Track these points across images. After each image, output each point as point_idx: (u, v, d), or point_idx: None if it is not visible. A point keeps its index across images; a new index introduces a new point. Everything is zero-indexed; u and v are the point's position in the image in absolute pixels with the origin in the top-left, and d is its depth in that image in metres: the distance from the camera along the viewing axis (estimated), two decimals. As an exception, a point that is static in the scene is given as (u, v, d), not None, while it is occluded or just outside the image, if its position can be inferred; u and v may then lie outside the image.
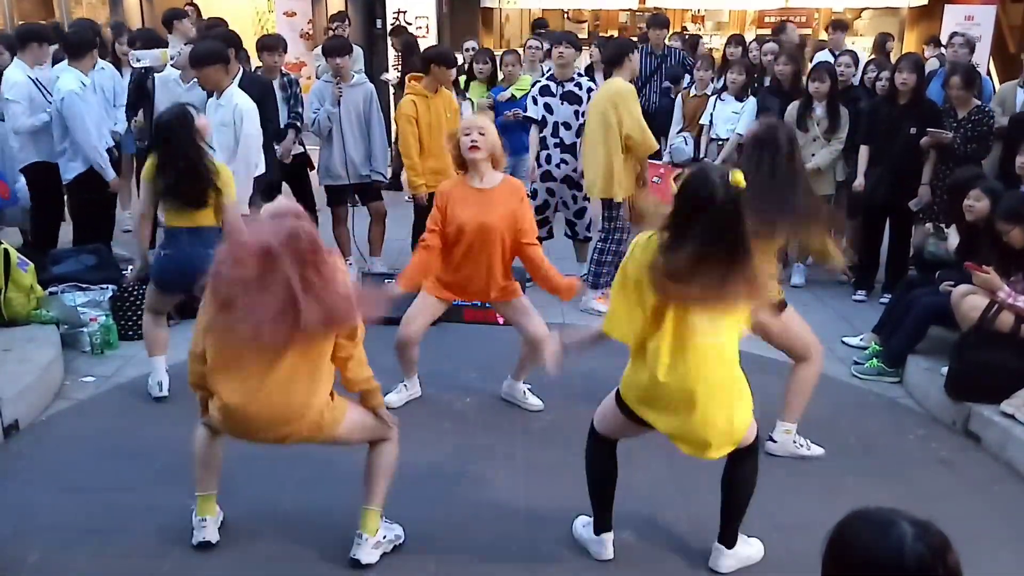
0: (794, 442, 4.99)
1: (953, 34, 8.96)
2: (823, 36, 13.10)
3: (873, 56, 10.02)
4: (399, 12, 13.41)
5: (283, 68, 8.15)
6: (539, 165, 7.70)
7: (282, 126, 7.76)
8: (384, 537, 3.96)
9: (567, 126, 7.54)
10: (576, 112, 7.50)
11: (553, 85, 7.65)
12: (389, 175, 8.66)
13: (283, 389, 3.49)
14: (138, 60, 7.38)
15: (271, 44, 7.97)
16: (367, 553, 3.89)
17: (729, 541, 3.93)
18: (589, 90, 7.56)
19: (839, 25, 10.62)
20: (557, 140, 7.60)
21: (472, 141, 5.00)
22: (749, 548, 4.01)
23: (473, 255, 5.13)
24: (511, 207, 5.09)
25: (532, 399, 5.53)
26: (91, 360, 6.11)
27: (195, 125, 4.99)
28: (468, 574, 3.95)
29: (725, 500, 3.89)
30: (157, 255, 5.33)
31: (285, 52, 8.13)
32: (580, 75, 7.93)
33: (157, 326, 5.55)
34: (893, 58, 9.23)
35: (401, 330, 5.35)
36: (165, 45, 7.91)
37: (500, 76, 8.82)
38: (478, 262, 5.15)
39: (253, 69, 8.18)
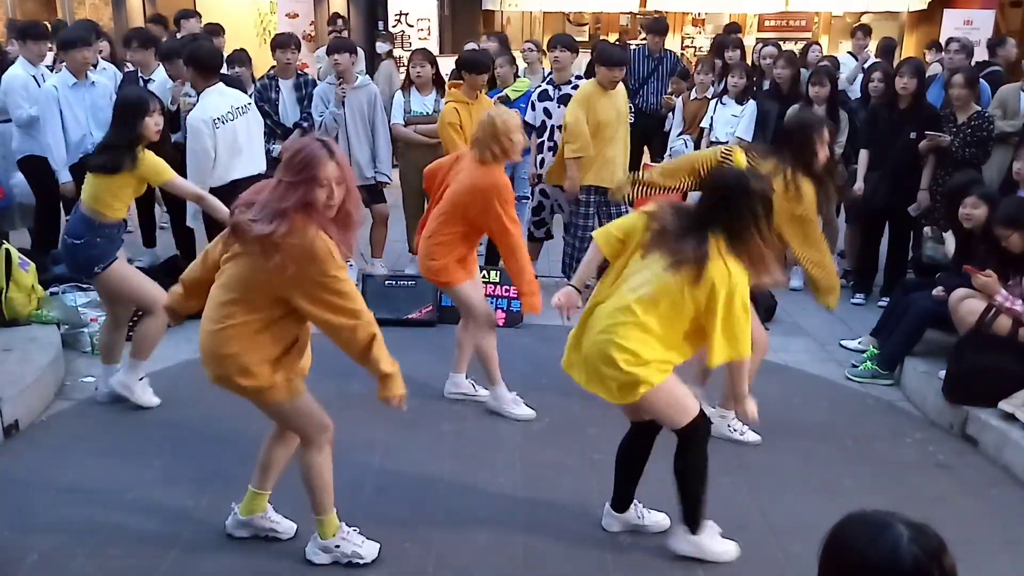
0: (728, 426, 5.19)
1: (949, 40, 8.99)
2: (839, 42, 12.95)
3: (878, 60, 10.04)
4: (400, 14, 13.42)
5: (299, 68, 8.16)
6: (535, 167, 7.73)
7: (290, 125, 7.82)
8: (338, 547, 3.94)
9: (562, 129, 7.54)
10: None
11: (551, 89, 7.67)
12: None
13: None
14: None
15: (283, 42, 7.96)
16: (316, 554, 3.94)
17: (690, 525, 3.98)
18: None
19: (865, 29, 10.80)
20: (552, 143, 7.62)
21: (514, 145, 5.08)
22: (714, 543, 4.03)
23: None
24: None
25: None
26: (91, 360, 6.10)
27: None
28: (466, 573, 3.95)
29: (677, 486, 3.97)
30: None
31: (298, 50, 8.11)
32: (578, 78, 7.93)
33: None
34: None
35: (487, 317, 5.38)
36: (157, 44, 7.92)
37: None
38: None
39: (268, 69, 8.22)
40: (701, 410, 3.88)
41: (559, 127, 7.50)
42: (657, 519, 4.17)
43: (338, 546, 3.90)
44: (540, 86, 7.87)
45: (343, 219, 3.51)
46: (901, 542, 1.80)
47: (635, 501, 4.20)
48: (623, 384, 3.71)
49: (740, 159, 4.70)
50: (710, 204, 3.74)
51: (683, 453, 3.90)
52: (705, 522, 4.00)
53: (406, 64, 8.12)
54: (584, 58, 11.18)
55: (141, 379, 5.45)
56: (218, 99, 6.39)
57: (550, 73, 8.18)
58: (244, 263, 3.46)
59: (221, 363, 3.53)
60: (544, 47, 8.95)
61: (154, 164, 5.03)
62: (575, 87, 7.58)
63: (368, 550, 3.93)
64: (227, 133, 6.37)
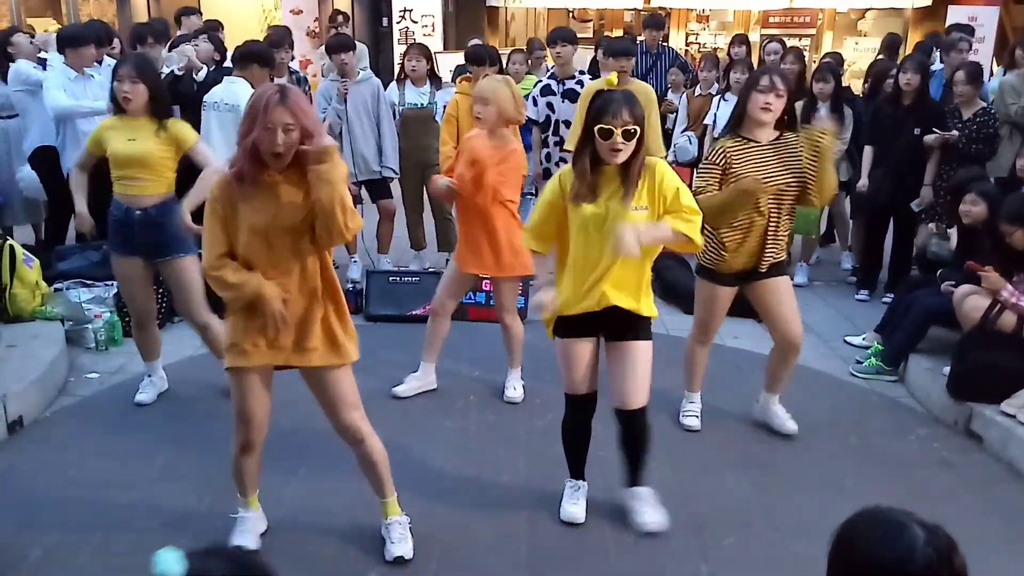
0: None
1: (960, 38, 8.96)
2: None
3: (881, 57, 10.01)
4: (404, 11, 13.41)
5: (291, 65, 8.16)
6: (539, 163, 7.72)
7: None
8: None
9: (568, 124, 7.52)
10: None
11: (554, 84, 7.64)
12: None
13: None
14: (167, 65, 7.35)
15: (277, 41, 7.98)
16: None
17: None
18: None
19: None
20: (557, 139, 7.59)
21: (477, 113, 5.23)
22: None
23: (472, 203, 5.30)
24: (498, 160, 5.24)
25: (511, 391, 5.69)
26: (95, 356, 6.12)
27: None
28: (469, 573, 3.95)
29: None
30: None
31: (292, 48, 8.13)
32: (581, 72, 7.92)
33: None
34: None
35: (435, 298, 5.61)
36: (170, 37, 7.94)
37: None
38: (477, 213, 5.31)
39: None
40: (582, 395, 4.16)
41: (565, 122, 7.49)
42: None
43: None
44: (541, 81, 7.86)
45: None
46: (917, 544, 1.80)
47: None
48: None
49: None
50: None
51: None
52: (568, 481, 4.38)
53: (402, 58, 8.18)
54: (587, 54, 11.16)
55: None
56: (220, 88, 6.75)
57: (552, 67, 8.17)
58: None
59: None
60: (545, 44, 8.94)
61: None
62: (579, 82, 7.56)
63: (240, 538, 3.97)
64: (208, 119, 6.71)
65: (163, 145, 5.05)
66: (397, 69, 8.70)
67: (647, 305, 4.04)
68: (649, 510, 4.19)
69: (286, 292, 3.58)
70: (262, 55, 6.81)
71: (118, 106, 5.07)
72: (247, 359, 3.66)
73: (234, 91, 6.57)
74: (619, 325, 4.03)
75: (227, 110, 6.56)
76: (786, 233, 4.95)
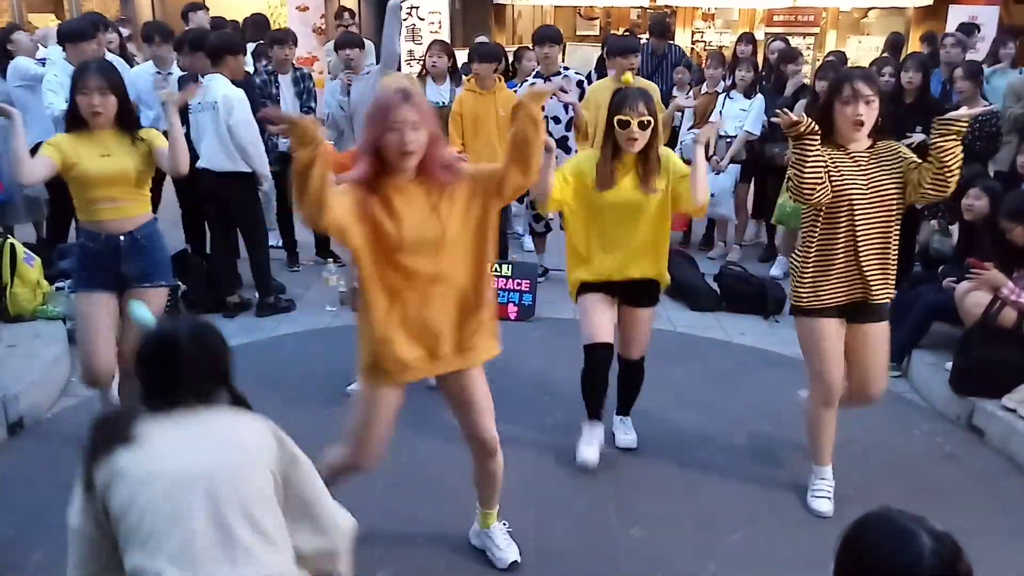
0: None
1: (945, 34, 8.98)
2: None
3: (885, 55, 10.01)
4: (411, 8, 13.38)
5: (295, 62, 8.18)
6: None
7: None
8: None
9: (556, 120, 7.54)
10: (565, 105, 7.40)
11: (540, 82, 7.67)
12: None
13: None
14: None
15: (280, 37, 8.02)
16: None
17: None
18: (580, 83, 7.59)
19: None
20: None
21: None
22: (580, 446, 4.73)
23: None
24: None
25: None
26: (97, 356, 6.10)
27: None
28: (478, 572, 3.93)
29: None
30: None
31: (295, 45, 8.16)
32: (565, 68, 7.94)
33: None
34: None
35: None
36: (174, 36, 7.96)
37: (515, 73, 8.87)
38: None
39: (264, 64, 8.22)
40: (598, 343, 4.49)
41: (553, 118, 7.52)
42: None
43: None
44: (528, 79, 7.90)
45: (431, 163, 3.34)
46: (924, 552, 1.82)
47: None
48: None
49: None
50: None
51: None
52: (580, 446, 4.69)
53: (423, 56, 8.18)
54: (594, 52, 11.16)
55: None
56: (201, 89, 6.65)
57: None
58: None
59: None
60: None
61: None
62: (565, 77, 7.61)
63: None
64: (195, 122, 6.72)
65: (143, 158, 4.52)
66: (418, 66, 8.71)
67: (663, 272, 4.60)
68: (620, 435, 4.98)
69: (432, 299, 3.41)
70: (229, 44, 6.82)
71: (77, 121, 4.48)
72: (412, 374, 3.50)
73: (212, 88, 6.53)
74: (634, 291, 4.57)
75: (209, 108, 6.54)
76: (895, 254, 4.46)
